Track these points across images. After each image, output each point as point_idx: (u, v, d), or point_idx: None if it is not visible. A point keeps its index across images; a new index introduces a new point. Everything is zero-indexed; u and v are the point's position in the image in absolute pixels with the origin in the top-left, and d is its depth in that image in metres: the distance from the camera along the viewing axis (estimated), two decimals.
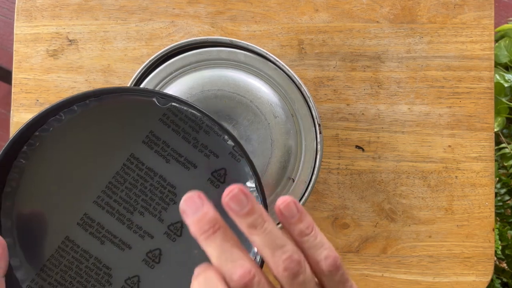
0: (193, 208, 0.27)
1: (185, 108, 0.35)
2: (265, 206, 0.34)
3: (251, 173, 0.35)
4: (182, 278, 0.36)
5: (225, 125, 0.41)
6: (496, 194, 0.87)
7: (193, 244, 0.36)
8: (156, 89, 0.41)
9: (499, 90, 0.89)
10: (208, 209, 0.27)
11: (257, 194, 0.35)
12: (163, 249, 0.36)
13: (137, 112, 0.36)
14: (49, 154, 0.35)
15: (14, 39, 0.49)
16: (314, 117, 0.41)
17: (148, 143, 0.36)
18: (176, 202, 0.36)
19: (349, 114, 0.49)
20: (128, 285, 0.37)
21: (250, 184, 0.36)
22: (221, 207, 0.36)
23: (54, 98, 0.49)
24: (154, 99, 0.35)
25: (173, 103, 0.35)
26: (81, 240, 0.36)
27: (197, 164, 0.36)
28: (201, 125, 0.36)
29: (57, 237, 0.36)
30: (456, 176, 0.49)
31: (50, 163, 0.36)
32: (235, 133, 0.41)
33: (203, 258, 0.36)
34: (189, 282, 0.36)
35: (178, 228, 0.36)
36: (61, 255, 0.36)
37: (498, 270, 0.87)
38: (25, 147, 0.35)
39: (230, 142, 0.36)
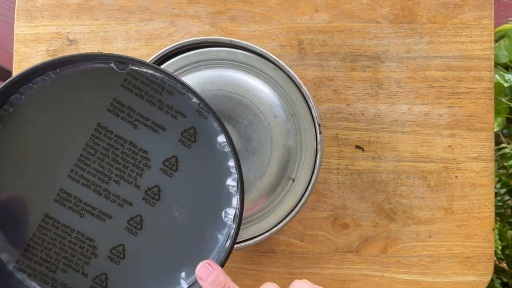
0: (206, 274, 0.33)
1: (144, 70, 0.35)
2: (237, 160, 0.34)
3: (219, 128, 0.35)
4: (166, 241, 0.37)
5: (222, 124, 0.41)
6: (496, 194, 0.87)
7: (173, 206, 0.36)
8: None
9: (499, 90, 0.89)
10: (218, 273, 0.33)
11: (229, 148, 0.35)
12: (143, 215, 0.36)
13: (98, 80, 0.35)
14: (16, 132, 0.35)
15: (14, 39, 0.49)
16: (314, 117, 0.41)
17: (113, 110, 0.36)
18: (150, 167, 0.36)
19: (349, 114, 0.49)
20: (113, 255, 0.37)
21: (221, 139, 0.36)
22: (195, 167, 0.36)
23: None
24: (113, 65, 0.35)
25: (132, 67, 0.35)
26: (61, 215, 0.36)
27: (165, 126, 0.36)
28: (163, 86, 0.35)
29: (37, 215, 0.36)
30: (456, 176, 0.49)
31: (18, 142, 0.35)
32: (235, 133, 0.41)
33: (184, 220, 0.36)
34: (173, 244, 0.36)
35: (156, 193, 0.36)
36: (43, 233, 0.36)
37: (498, 270, 0.87)
38: None
39: (195, 100, 0.35)
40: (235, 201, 0.36)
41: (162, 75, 0.35)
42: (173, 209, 0.36)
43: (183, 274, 0.36)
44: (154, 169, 0.36)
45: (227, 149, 0.36)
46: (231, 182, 0.36)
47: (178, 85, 0.35)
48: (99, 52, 0.34)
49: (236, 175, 0.35)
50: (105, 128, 0.36)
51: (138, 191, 0.36)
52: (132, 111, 0.36)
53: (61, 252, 0.36)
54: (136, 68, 0.35)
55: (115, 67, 0.35)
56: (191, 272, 0.36)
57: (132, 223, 0.36)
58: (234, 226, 0.35)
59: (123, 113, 0.36)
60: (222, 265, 0.35)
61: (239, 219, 0.35)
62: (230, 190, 0.36)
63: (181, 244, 0.36)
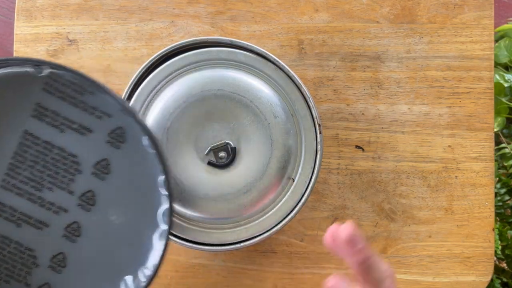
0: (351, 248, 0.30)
1: (62, 72, 0.34)
2: (161, 159, 0.33)
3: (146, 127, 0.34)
4: (105, 246, 0.36)
5: (217, 124, 0.41)
6: (496, 194, 0.87)
7: (109, 210, 0.36)
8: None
9: (499, 90, 0.89)
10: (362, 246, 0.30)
11: (153, 150, 0.34)
12: (80, 221, 0.36)
13: (18, 86, 0.34)
14: None
15: (14, 39, 0.49)
16: (314, 117, 0.41)
17: (37, 116, 0.35)
18: (81, 171, 0.35)
19: (349, 114, 0.49)
20: (54, 264, 0.36)
21: (145, 141, 0.35)
22: (127, 168, 0.35)
23: None
24: (31, 69, 0.34)
25: (51, 70, 0.34)
26: None
27: (91, 128, 0.35)
28: (84, 86, 0.34)
29: None
30: (456, 176, 0.49)
31: None
32: (235, 133, 0.41)
33: (121, 224, 0.36)
34: (113, 249, 0.36)
35: (90, 197, 0.36)
36: None
37: (498, 270, 0.87)
38: None
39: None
40: (168, 201, 0.35)
41: (80, 77, 0.34)
42: (109, 214, 0.36)
43: (126, 278, 0.36)
44: (85, 173, 0.35)
45: (150, 151, 0.35)
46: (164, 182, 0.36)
47: (100, 85, 0.34)
48: (14, 56, 0.34)
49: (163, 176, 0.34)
50: (31, 135, 0.35)
51: (72, 196, 0.35)
52: (56, 114, 0.35)
53: (2, 263, 0.36)
54: (56, 70, 0.34)
55: (34, 72, 0.34)
56: (133, 276, 0.36)
57: (69, 230, 0.36)
58: (165, 228, 0.35)
59: (48, 117, 0.35)
60: (157, 267, 0.34)
61: (170, 220, 0.34)
62: (163, 191, 0.36)
63: (120, 248, 0.36)
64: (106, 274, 0.36)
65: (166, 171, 0.34)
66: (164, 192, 0.35)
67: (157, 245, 0.35)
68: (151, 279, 0.35)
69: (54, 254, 0.36)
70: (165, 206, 0.35)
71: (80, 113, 0.35)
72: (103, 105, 0.35)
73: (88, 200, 0.36)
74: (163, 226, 0.35)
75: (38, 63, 0.33)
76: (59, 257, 0.36)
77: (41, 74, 0.34)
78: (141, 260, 0.35)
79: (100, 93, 0.34)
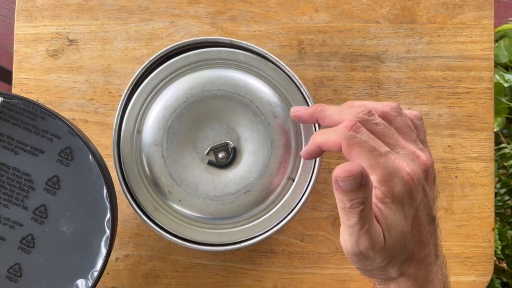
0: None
1: (16, 101, 0.38)
2: (103, 174, 0.37)
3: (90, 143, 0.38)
4: (58, 255, 0.39)
5: (217, 124, 0.41)
6: (496, 194, 0.87)
7: (60, 222, 0.39)
8: (150, 91, 0.42)
9: (499, 90, 0.89)
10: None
11: (98, 170, 0.38)
12: (34, 234, 0.39)
13: None
14: None
15: (14, 39, 0.49)
16: None
17: None
18: (34, 188, 0.39)
19: None
20: (11, 274, 0.39)
21: (91, 158, 0.39)
22: (76, 183, 0.39)
23: (54, 98, 0.49)
24: None
25: (4, 100, 0.38)
26: None
27: (43, 149, 0.39)
28: (36, 113, 0.39)
29: None
30: (456, 176, 0.49)
31: None
32: (235, 133, 0.41)
33: (72, 234, 0.39)
34: (65, 258, 0.39)
35: (43, 211, 0.39)
36: None
37: (498, 270, 0.87)
38: None
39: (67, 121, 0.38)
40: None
41: (32, 105, 0.38)
42: (61, 225, 0.39)
43: (78, 281, 0.39)
44: (38, 189, 0.39)
45: (98, 172, 0.38)
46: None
47: (48, 112, 0.38)
48: None
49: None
50: None
51: (26, 211, 0.39)
52: (11, 139, 0.39)
53: None
54: (9, 100, 0.38)
55: None
56: (85, 279, 0.39)
57: (24, 243, 0.39)
58: (108, 233, 0.38)
59: (3, 142, 0.39)
60: (102, 271, 0.37)
61: (112, 226, 0.38)
62: (107, 202, 0.39)
63: (72, 256, 0.39)
64: (60, 280, 0.39)
65: (108, 184, 0.37)
66: (108, 203, 0.39)
67: (104, 250, 0.39)
68: (96, 281, 0.38)
69: (11, 265, 0.39)
70: (109, 215, 0.39)
71: (33, 137, 0.39)
72: (53, 128, 0.39)
73: (41, 214, 0.39)
74: (108, 232, 0.39)
75: None
76: (15, 268, 0.39)
77: None
78: (91, 264, 0.39)
79: (50, 117, 0.39)
